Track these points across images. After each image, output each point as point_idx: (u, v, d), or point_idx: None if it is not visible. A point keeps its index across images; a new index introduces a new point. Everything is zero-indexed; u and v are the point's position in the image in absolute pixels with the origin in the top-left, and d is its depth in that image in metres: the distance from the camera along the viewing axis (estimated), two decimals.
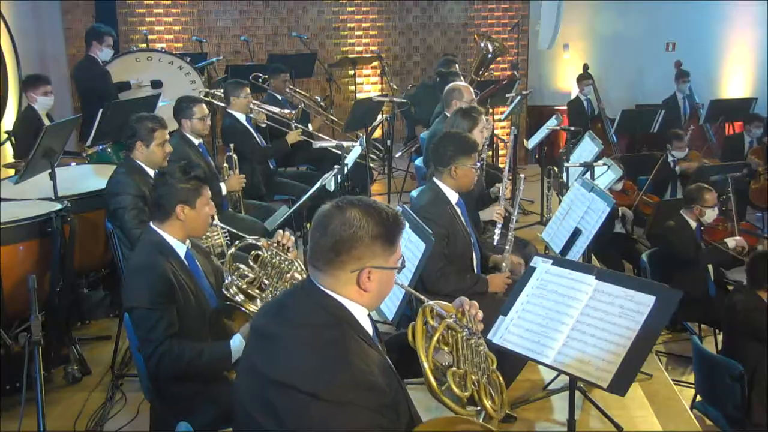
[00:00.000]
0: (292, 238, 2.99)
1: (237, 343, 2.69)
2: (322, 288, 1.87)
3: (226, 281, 2.86)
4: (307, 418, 1.71)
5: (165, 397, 2.82)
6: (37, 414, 2.47)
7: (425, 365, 1.96)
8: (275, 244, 2.92)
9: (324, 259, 1.85)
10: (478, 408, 2.04)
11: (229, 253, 2.94)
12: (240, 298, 2.80)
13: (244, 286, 2.85)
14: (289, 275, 2.88)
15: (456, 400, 1.98)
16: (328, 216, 1.85)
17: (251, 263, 2.91)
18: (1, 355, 3.71)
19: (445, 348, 2.04)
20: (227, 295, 2.83)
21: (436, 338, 2.00)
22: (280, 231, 2.98)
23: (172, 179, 2.87)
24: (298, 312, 1.87)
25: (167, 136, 4.17)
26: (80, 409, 3.69)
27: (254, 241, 2.94)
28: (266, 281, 2.88)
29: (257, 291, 2.87)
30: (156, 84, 6.74)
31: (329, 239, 1.82)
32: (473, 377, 2.03)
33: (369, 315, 1.96)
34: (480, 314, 2.16)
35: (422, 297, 2.18)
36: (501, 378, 2.17)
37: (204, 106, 4.92)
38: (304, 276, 2.90)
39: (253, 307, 2.78)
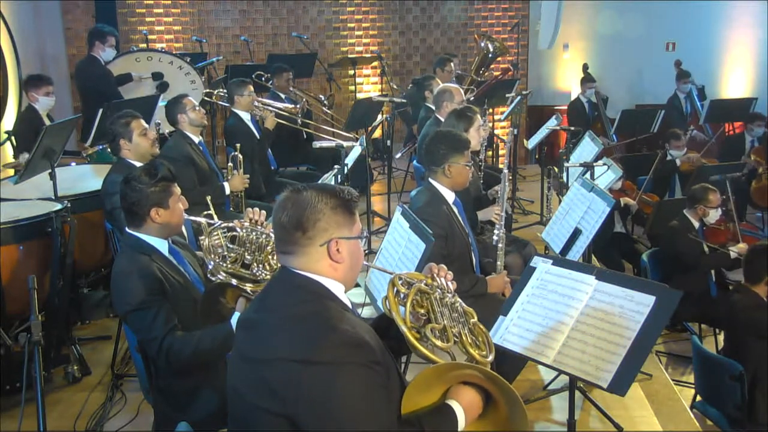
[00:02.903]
0: (264, 212, 3.01)
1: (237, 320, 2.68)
2: (296, 270, 1.91)
3: (209, 267, 2.87)
4: (302, 386, 1.73)
5: (166, 394, 2.83)
6: (37, 414, 2.47)
7: (403, 327, 1.98)
8: (248, 222, 2.95)
9: (291, 240, 1.90)
10: (466, 358, 2.06)
11: (205, 242, 2.93)
12: (234, 282, 2.80)
13: (230, 267, 2.87)
14: (269, 248, 2.91)
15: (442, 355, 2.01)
16: (286, 200, 1.92)
17: (229, 245, 2.92)
18: (1, 355, 3.72)
19: (421, 310, 2.07)
20: (216, 280, 2.84)
21: (410, 301, 2.02)
22: (249, 209, 3.00)
23: (141, 184, 2.83)
24: (277, 297, 1.93)
25: (144, 125, 4.13)
26: (80, 409, 3.70)
27: (227, 224, 2.96)
28: (248, 257, 2.91)
29: (242, 270, 2.88)
30: (157, 76, 6.74)
31: (293, 218, 1.88)
32: (453, 330, 2.06)
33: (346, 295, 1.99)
34: (450, 275, 2.18)
35: (389, 271, 2.22)
36: (483, 327, 2.19)
37: (190, 97, 4.94)
38: None
39: (248, 286, 2.77)
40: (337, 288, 1.93)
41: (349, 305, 1.96)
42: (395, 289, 2.07)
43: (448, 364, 1.91)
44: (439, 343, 2.00)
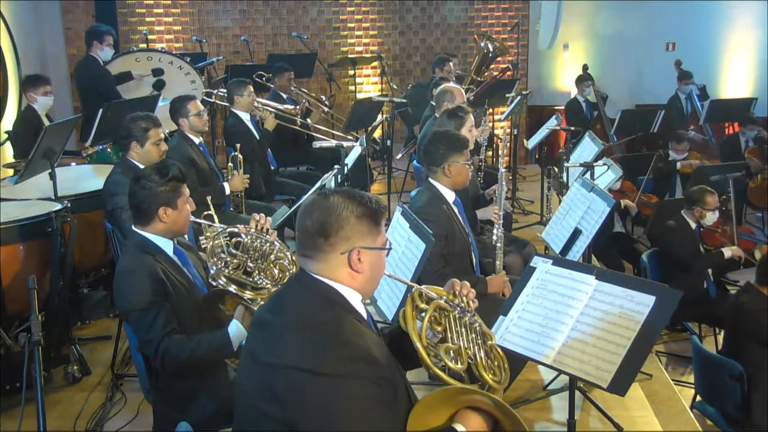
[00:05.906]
0: (269, 219, 3.01)
1: (235, 328, 2.68)
2: (314, 275, 1.90)
3: (211, 272, 2.87)
4: (307, 396, 1.72)
5: (166, 394, 2.83)
6: (37, 414, 2.47)
7: (418, 345, 1.96)
8: (253, 229, 2.94)
9: (313, 245, 1.88)
10: (480, 383, 2.03)
11: (208, 246, 2.93)
12: (233, 288, 2.81)
13: (231, 273, 2.87)
14: (272, 256, 2.91)
15: (455, 375, 1.98)
16: (312, 203, 1.91)
17: (232, 250, 2.92)
18: (1, 355, 3.72)
19: (438, 328, 2.05)
20: (216, 285, 2.85)
21: (427, 318, 2.00)
22: (255, 215, 3.00)
23: (151, 183, 2.83)
24: (292, 300, 1.90)
25: (162, 135, 4.15)
26: (80, 409, 3.70)
27: (232, 229, 2.96)
28: (251, 264, 2.91)
29: (244, 276, 2.88)
30: (157, 72, 6.74)
31: (317, 223, 1.87)
32: (469, 351, 2.03)
33: (363, 303, 1.97)
34: (472, 293, 2.16)
35: (410, 283, 2.18)
36: (501, 351, 2.16)
37: (198, 102, 4.91)
38: (287, 253, 2.96)
39: (248, 294, 2.77)
40: (353, 297, 1.91)
41: (365, 315, 1.94)
42: (414, 303, 2.04)
43: (458, 388, 1.89)
44: (452, 364, 1.97)
